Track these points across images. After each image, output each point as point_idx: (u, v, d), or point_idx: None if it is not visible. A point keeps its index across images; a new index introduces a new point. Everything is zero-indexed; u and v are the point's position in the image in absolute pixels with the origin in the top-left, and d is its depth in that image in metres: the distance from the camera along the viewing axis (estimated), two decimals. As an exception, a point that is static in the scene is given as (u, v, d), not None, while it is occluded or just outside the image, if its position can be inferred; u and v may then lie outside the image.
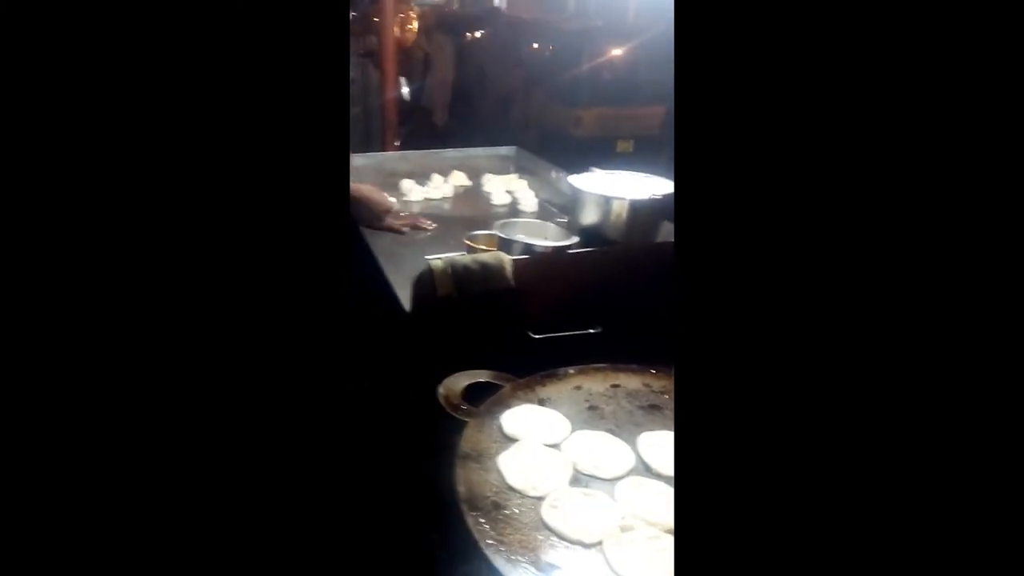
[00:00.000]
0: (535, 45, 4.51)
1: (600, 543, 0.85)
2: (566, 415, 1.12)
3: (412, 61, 3.90)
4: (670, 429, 1.09)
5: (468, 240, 1.64)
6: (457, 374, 1.23)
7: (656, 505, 0.92)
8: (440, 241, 1.57)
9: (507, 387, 1.21)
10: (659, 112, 4.36)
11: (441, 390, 1.18)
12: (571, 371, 1.26)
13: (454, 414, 1.13)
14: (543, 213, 1.90)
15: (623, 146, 4.27)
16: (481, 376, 1.24)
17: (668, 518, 0.90)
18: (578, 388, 1.21)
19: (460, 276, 1.46)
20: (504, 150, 2.49)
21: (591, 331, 1.59)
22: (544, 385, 1.21)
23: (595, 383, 1.22)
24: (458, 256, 1.47)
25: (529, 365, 1.27)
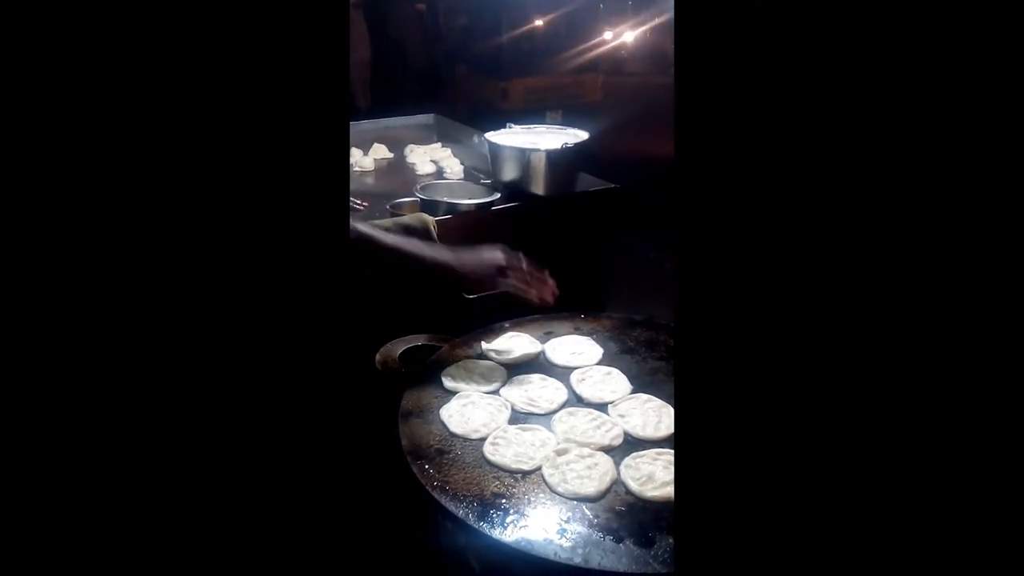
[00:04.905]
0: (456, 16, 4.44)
1: (539, 468, 0.90)
2: (503, 364, 1.15)
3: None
4: (599, 364, 1.14)
5: (391, 208, 1.62)
6: (393, 341, 1.24)
7: (587, 429, 0.97)
8: (366, 219, 1.55)
9: (445, 347, 1.23)
10: (587, 80, 4.39)
11: (378, 357, 1.19)
12: (507, 325, 1.29)
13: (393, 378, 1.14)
14: (469, 179, 1.90)
15: (552, 116, 4.31)
16: (417, 340, 1.25)
17: (598, 439, 0.96)
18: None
19: (383, 241, 1.45)
20: (423, 118, 2.46)
21: (523, 285, 1.62)
22: (481, 341, 1.23)
23: (530, 333, 1.25)
24: (378, 221, 1.46)
25: (465, 324, 1.29)
